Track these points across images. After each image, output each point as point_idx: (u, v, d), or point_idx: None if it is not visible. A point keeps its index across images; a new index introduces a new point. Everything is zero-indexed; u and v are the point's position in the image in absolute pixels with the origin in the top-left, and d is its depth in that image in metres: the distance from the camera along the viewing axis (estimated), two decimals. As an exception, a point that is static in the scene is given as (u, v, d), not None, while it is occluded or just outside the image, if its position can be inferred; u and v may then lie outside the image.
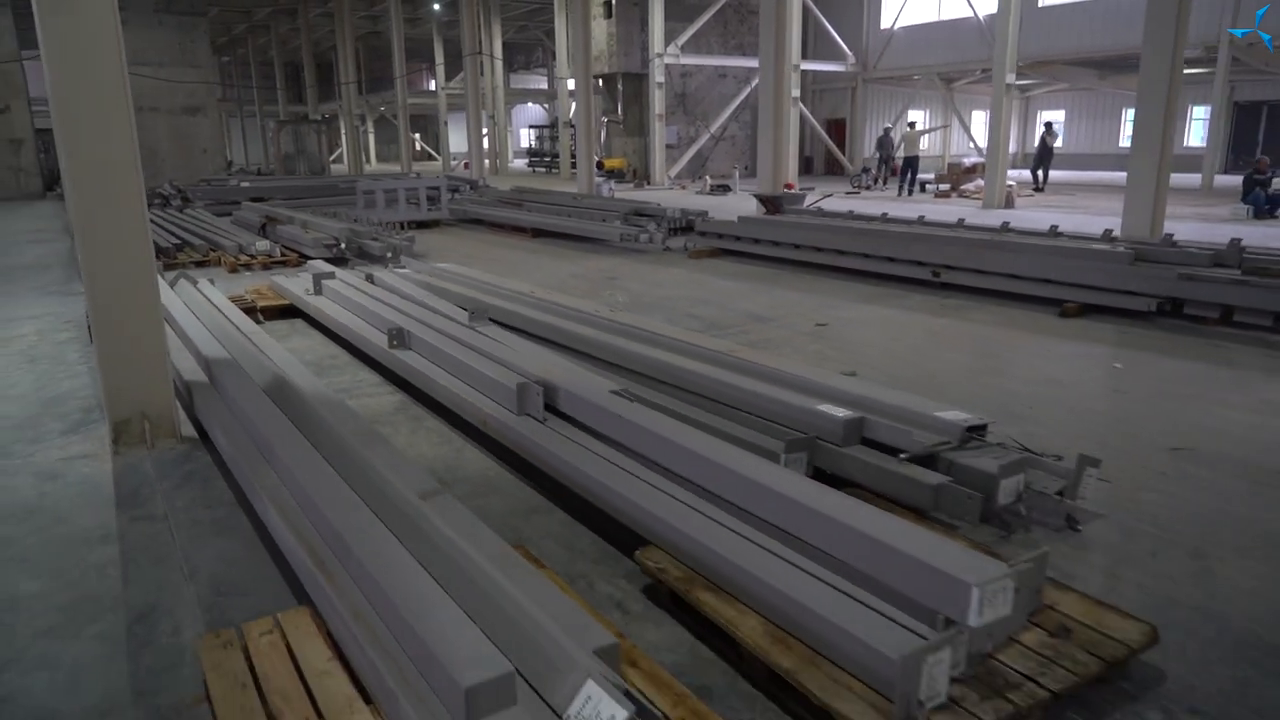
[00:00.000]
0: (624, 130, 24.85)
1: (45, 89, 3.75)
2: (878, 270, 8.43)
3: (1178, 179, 14.14)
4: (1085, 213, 14.14)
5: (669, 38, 21.70)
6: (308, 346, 6.04)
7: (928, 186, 19.66)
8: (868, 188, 21.10)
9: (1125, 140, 18.66)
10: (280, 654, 2.17)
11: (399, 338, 4.97)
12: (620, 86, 24.35)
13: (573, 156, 23.54)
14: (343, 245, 9.50)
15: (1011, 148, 20.98)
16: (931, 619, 2.12)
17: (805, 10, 22.29)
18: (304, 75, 37.52)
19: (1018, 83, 16.87)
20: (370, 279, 6.93)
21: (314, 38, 36.17)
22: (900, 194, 19.29)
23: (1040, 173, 18.99)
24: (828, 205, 12.31)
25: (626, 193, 19.11)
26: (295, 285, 7.11)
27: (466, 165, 29.54)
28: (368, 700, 1.97)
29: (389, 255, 9.08)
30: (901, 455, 3.17)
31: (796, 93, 18.97)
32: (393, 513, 2.60)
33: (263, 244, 9.91)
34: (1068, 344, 5.91)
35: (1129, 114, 12.02)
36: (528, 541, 3.02)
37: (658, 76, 21.76)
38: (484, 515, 2.94)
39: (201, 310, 5.88)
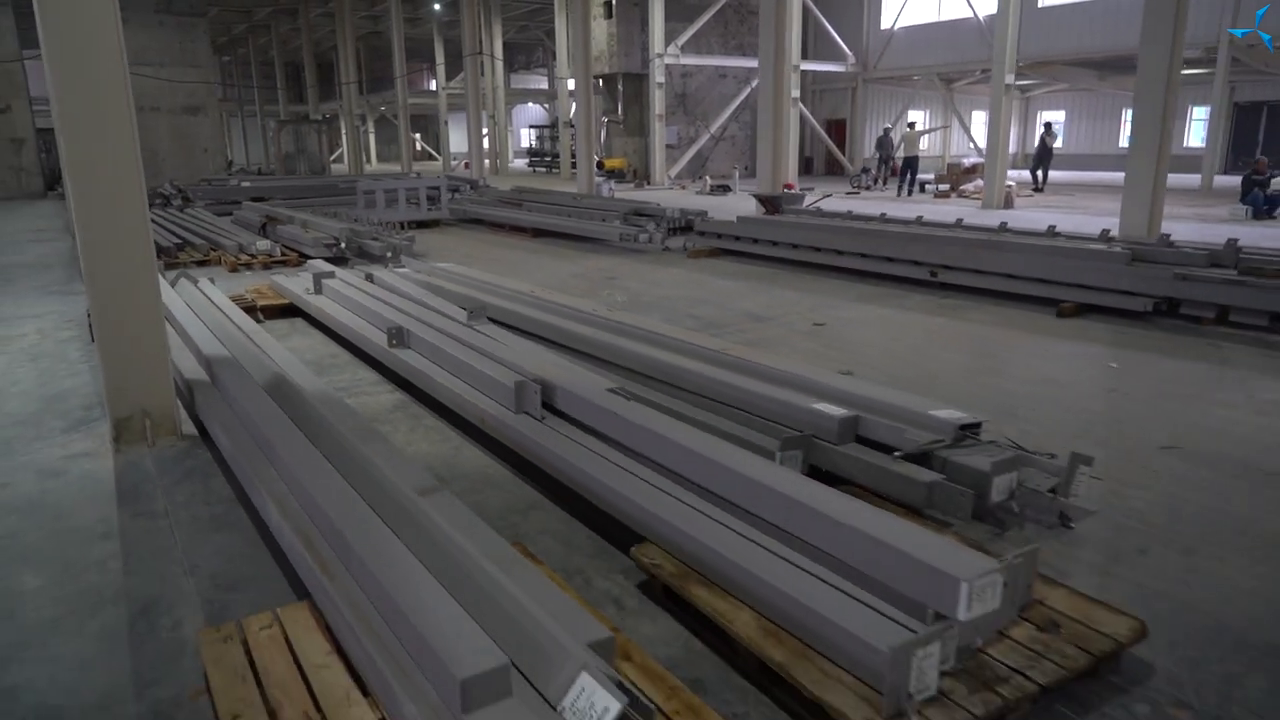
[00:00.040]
0: (624, 130, 24.88)
1: (46, 88, 3.77)
2: (876, 270, 8.45)
3: (1177, 179, 14.17)
4: (1084, 213, 14.16)
5: (669, 38, 21.72)
6: (308, 345, 6.07)
7: (927, 187, 19.67)
8: (867, 188, 21.11)
9: (1125, 141, 18.66)
10: (279, 647, 2.20)
11: (398, 337, 4.99)
12: (620, 86, 24.38)
13: (573, 156, 23.54)
14: (343, 245, 9.54)
15: (1011, 148, 20.98)
16: (922, 614, 2.15)
17: (805, 10, 22.31)
18: (304, 75, 37.55)
19: (1017, 83, 16.90)
20: (370, 278, 6.95)
21: (315, 37, 36.19)
22: (900, 194, 19.30)
23: (1040, 173, 19.01)
24: (827, 205, 12.33)
25: (626, 193, 19.13)
26: (295, 284, 7.14)
27: (467, 165, 29.57)
28: (365, 692, 2.00)
29: (389, 255, 9.10)
30: (896, 453, 3.20)
31: (796, 93, 18.99)
32: (391, 509, 2.62)
33: (263, 243, 9.94)
34: (1064, 344, 5.94)
35: (1129, 114, 12.03)
36: (525, 538, 3.05)
37: (658, 77, 21.78)
38: (482, 512, 2.97)
39: (202, 309, 5.91)
